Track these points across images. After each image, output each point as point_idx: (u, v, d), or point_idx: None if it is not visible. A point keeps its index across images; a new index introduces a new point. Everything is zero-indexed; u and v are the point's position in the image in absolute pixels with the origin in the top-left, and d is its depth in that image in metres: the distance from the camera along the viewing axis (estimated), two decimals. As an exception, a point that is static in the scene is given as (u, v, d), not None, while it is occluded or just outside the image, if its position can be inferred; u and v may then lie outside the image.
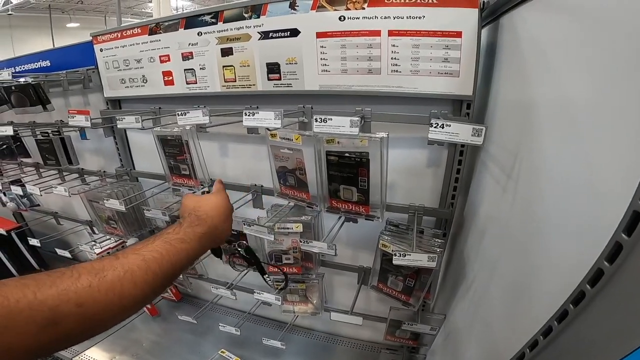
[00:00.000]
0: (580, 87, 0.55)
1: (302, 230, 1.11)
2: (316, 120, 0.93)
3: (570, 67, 0.58)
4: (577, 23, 0.57)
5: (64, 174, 1.83)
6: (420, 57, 1.02)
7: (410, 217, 1.15)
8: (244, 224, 1.04)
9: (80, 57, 1.60)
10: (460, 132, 0.81)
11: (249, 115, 1.04)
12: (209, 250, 0.83)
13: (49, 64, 1.75)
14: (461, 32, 0.95)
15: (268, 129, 1.06)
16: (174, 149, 1.32)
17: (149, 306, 1.68)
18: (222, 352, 1.69)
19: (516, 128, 0.81)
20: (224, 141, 1.45)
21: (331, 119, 0.92)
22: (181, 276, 1.58)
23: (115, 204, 1.27)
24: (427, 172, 1.20)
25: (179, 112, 1.18)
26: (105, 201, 1.30)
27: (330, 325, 1.77)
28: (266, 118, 1.01)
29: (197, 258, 0.67)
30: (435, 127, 0.83)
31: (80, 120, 1.47)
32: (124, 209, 1.25)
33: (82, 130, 1.77)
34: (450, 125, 0.82)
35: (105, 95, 1.59)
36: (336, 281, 1.56)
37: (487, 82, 1.02)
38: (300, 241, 1.00)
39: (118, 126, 1.35)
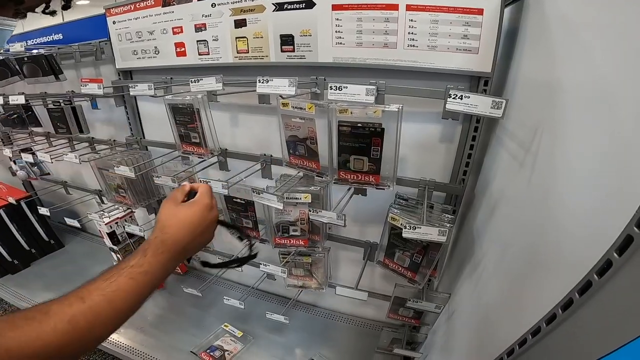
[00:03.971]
0: (613, 69, 0.53)
1: (310, 201, 1.11)
2: (331, 88, 0.93)
3: (605, 49, 0.56)
4: (614, 3, 0.55)
5: (74, 142, 1.84)
6: (439, 33, 0.99)
7: (420, 191, 1.14)
8: (253, 192, 1.04)
9: (92, 30, 1.61)
10: (479, 103, 0.80)
11: (262, 83, 1.04)
12: None
13: (61, 37, 1.78)
14: (483, 9, 0.93)
15: (281, 96, 1.05)
16: (185, 117, 1.32)
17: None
18: (225, 326, 1.71)
19: (538, 106, 0.79)
20: (235, 111, 1.45)
21: (346, 87, 0.92)
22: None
23: (125, 171, 1.27)
24: (439, 148, 1.19)
25: (192, 80, 1.18)
26: (115, 168, 1.30)
27: (333, 303, 1.79)
28: (280, 85, 1.01)
29: (162, 281, 0.66)
30: (453, 98, 0.82)
31: (93, 89, 1.48)
32: (134, 176, 1.26)
33: (93, 100, 1.78)
34: (469, 97, 0.81)
35: (117, 67, 1.59)
36: (341, 257, 1.56)
37: (507, 60, 1.00)
38: (310, 210, 1.00)
39: (131, 94, 1.35)
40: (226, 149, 1.44)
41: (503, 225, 0.89)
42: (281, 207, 0.99)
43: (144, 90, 1.33)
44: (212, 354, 1.57)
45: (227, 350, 1.59)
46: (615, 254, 0.41)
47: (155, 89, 1.29)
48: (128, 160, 1.42)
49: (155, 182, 1.23)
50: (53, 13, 2.02)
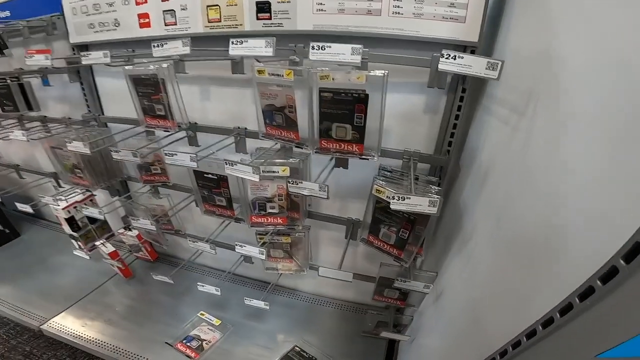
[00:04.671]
0: (616, 40, 0.47)
1: (288, 175, 1.02)
2: (313, 48, 0.84)
3: (607, 20, 0.50)
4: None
5: (25, 122, 1.66)
6: (425, 0, 0.94)
7: (405, 163, 1.08)
8: (226, 164, 0.94)
9: (43, 5, 1.44)
10: (473, 64, 0.77)
11: (236, 44, 0.94)
12: None
13: (9, 15, 1.59)
14: (471, -24, 0.87)
15: (257, 59, 0.96)
16: (149, 89, 1.20)
17: (122, 267, 1.57)
18: (201, 314, 1.62)
19: (531, 73, 0.74)
20: (206, 84, 1.33)
21: (330, 47, 0.85)
22: (156, 231, 1.48)
23: (79, 147, 1.13)
24: (423, 119, 1.14)
25: (155, 44, 1.07)
26: (68, 145, 1.16)
27: (315, 286, 1.73)
28: (256, 46, 0.92)
29: None
30: (446, 58, 0.79)
31: (40, 60, 1.33)
32: (89, 152, 1.12)
33: (44, 77, 1.62)
34: (463, 57, 0.77)
35: (71, 41, 1.44)
36: (322, 237, 1.49)
37: (494, 30, 0.96)
38: (289, 182, 0.91)
39: (83, 62, 1.22)
40: (196, 123, 1.33)
41: (494, 197, 0.84)
42: (257, 179, 0.90)
43: (98, 58, 1.19)
44: (189, 344, 1.48)
45: (205, 340, 1.50)
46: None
47: (112, 57, 1.16)
48: (84, 137, 1.28)
49: (114, 157, 1.10)
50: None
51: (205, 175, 1.14)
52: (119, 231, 1.58)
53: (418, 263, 1.30)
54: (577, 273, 0.44)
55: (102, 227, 1.72)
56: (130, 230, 1.59)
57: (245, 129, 1.26)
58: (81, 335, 1.51)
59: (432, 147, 1.14)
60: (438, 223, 1.21)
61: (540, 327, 0.50)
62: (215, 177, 1.13)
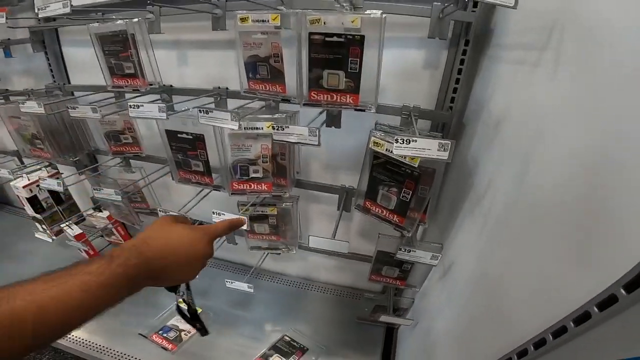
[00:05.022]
0: None
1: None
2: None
3: None
4: None
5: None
6: None
7: (404, 119, 0.97)
8: (200, 112, 0.80)
9: None
10: None
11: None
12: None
13: None
14: None
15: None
16: (117, 46, 1.07)
17: (90, 251, 1.42)
18: (180, 302, 1.47)
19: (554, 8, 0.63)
20: (184, 48, 1.20)
21: None
22: (128, 211, 1.33)
23: (32, 107, 0.99)
24: (423, 75, 1.03)
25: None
26: (21, 106, 1.01)
27: (305, 270, 1.59)
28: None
29: (121, 301, 0.49)
30: None
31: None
32: (44, 111, 0.98)
33: (6, 48, 1.47)
34: None
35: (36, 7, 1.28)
36: (312, 212, 1.36)
37: None
38: (274, 127, 0.78)
39: (39, 15, 1.07)
40: (171, 85, 1.20)
41: (512, 148, 0.72)
42: (236, 128, 0.77)
43: (57, 10, 1.04)
44: (165, 335, 1.34)
45: (184, 330, 1.36)
46: None
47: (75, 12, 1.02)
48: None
49: (72, 115, 0.96)
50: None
51: (179, 135, 1.00)
52: (88, 212, 1.42)
53: (420, 234, 1.17)
54: (627, 255, 0.33)
55: (69, 209, 1.56)
56: (100, 211, 1.44)
57: (227, 88, 1.13)
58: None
59: (433, 104, 1.04)
60: (443, 185, 1.09)
61: (572, 324, 0.39)
62: (191, 137, 0.99)
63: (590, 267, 0.40)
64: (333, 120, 1.00)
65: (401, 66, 1.03)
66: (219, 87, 1.11)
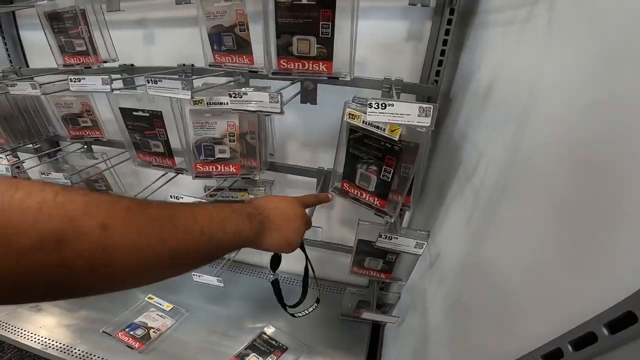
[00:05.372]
0: None
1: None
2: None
3: None
4: None
5: None
6: None
7: (385, 93, 0.88)
8: (148, 81, 0.70)
9: None
10: None
11: None
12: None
13: None
14: None
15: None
16: (68, 23, 0.99)
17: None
18: (150, 298, 1.38)
19: None
20: (150, 27, 1.10)
21: None
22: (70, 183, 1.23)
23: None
24: (406, 47, 0.95)
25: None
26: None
27: (284, 262, 1.48)
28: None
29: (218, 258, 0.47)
30: None
31: None
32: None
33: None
34: None
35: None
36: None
37: None
38: (230, 94, 0.68)
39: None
40: (132, 64, 1.10)
41: (504, 117, 0.63)
42: (188, 97, 0.67)
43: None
44: (132, 333, 1.24)
45: (153, 328, 1.26)
46: None
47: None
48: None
49: (11, 92, 0.85)
50: None
51: (134, 113, 0.90)
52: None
53: (407, 222, 1.09)
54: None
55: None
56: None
57: (192, 65, 1.03)
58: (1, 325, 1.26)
59: (417, 77, 0.95)
60: (429, 168, 1.00)
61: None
62: (147, 115, 0.89)
63: (593, 250, 0.32)
64: (308, 96, 0.91)
65: (383, 38, 0.95)
66: (184, 65, 1.02)
